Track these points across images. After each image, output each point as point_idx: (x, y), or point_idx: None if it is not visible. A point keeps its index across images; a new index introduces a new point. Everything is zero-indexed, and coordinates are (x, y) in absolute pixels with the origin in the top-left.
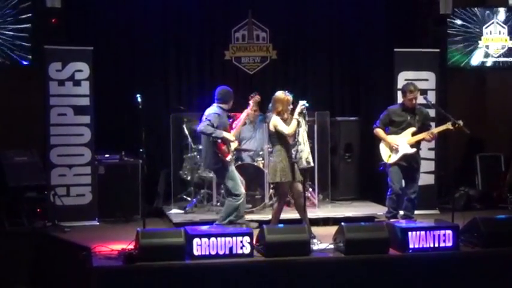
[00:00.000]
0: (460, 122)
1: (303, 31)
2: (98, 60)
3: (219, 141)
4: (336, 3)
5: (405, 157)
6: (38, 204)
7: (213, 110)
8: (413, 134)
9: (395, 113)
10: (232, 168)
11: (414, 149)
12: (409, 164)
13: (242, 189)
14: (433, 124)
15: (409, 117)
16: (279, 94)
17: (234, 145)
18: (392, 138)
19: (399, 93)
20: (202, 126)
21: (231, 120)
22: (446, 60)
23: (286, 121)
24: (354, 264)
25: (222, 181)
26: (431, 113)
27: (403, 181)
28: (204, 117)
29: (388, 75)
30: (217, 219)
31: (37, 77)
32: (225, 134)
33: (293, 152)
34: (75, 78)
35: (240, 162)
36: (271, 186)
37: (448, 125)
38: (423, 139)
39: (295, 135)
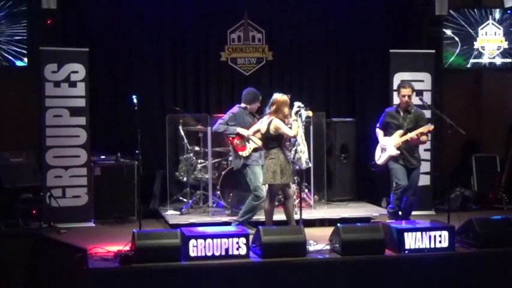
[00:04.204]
0: (431, 127)
1: (299, 32)
2: (93, 62)
3: (233, 136)
4: (332, 5)
5: (393, 158)
6: (34, 205)
7: (232, 109)
8: (402, 136)
9: (390, 115)
10: (254, 168)
11: (398, 152)
12: (411, 165)
13: (262, 192)
14: None
15: (400, 119)
16: (282, 97)
17: (253, 143)
18: (383, 140)
19: (395, 94)
20: (215, 126)
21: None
22: (441, 61)
23: (285, 123)
24: (350, 265)
25: (246, 179)
26: (427, 114)
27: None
28: None
29: (383, 76)
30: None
31: (33, 78)
32: (239, 130)
33: (292, 152)
34: (71, 79)
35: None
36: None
37: (428, 127)
38: (407, 140)
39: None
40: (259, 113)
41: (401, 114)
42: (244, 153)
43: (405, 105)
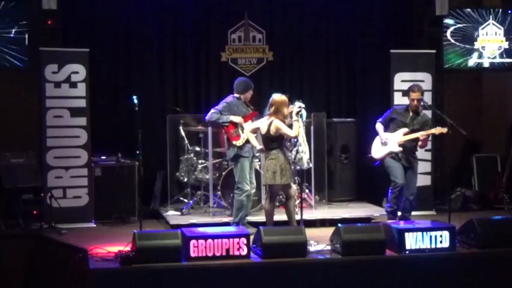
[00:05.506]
0: (444, 130)
1: (300, 32)
2: (94, 62)
3: (227, 124)
4: (333, 5)
5: (393, 154)
6: (34, 206)
7: (226, 99)
8: (406, 135)
9: (397, 112)
10: (244, 161)
11: (400, 148)
12: (409, 165)
13: (246, 186)
14: None
15: (408, 119)
16: (281, 97)
17: (247, 133)
18: (384, 134)
19: (396, 94)
20: (208, 115)
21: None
22: (442, 62)
23: (284, 123)
24: (350, 266)
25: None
26: (428, 114)
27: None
28: None
29: (384, 77)
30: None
31: (33, 79)
32: (233, 118)
33: (293, 152)
34: (72, 80)
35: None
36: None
37: (441, 129)
38: (413, 140)
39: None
40: (253, 103)
41: (411, 114)
42: (238, 143)
43: (415, 108)
